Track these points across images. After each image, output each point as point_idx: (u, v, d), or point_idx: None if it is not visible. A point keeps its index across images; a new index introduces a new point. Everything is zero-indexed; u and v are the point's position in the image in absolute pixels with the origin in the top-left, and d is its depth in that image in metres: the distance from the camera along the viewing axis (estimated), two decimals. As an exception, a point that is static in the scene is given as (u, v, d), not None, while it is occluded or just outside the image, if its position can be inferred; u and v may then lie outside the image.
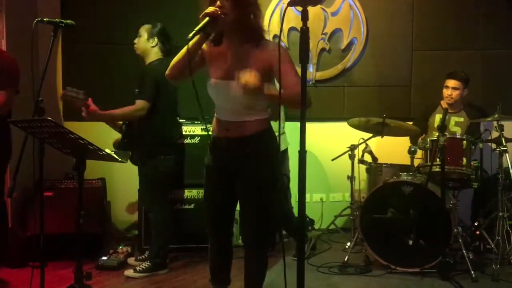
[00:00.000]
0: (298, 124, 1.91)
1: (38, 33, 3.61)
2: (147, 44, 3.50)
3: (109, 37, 4.56)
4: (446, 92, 4.18)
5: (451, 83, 4.16)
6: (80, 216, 2.26)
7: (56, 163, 3.86)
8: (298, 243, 1.93)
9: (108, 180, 4.23)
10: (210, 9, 2.16)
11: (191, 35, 2.13)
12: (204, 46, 2.35)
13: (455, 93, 4.15)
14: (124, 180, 4.46)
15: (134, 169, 3.67)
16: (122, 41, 4.33)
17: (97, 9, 4.56)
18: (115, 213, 4.56)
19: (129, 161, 3.55)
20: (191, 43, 2.22)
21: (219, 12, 2.16)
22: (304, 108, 1.95)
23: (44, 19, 2.40)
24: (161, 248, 3.52)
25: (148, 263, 3.49)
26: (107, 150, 2.21)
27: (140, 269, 3.46)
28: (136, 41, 3.55)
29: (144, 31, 3.51)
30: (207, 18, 2.14)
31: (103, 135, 4.07)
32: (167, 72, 2.37)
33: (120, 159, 2.31)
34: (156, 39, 3.49)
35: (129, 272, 3.47)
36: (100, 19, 4.55)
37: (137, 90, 3.42)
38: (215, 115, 2.43)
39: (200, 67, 2.40)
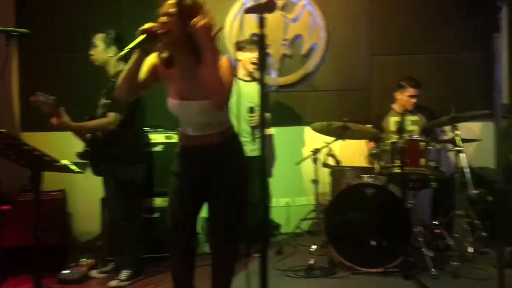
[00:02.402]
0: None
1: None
2: (105, 54, 3.46)
3: (67, 45, 4.47)
4: (411, 100, 4.27)
5: (415, 91, 4.26)
6: (38, 229, 2.19)
7: (14, 176, 3.76)
8: (262, 247, 1.93)
9: (69, 191, 4.14)
10: (147, 25, 2.08)
11: (122, 53, 2.08)
12: (157, 63, 2.28)
13: (417, 100, 4.29)
14: (85, 191, 4.37)
15: (95, 179, 3.60)
16: (81, 49, 4.24)
17: (55, 17, 4.48)
18: (76, 225, 4.46)
19: (89, 172, 3.48)
20: (130, 62, 2.16)
21: (156, 29, 2.08)
22: (263, 115, 1.99)
23: (-4, 28, 2.33)
24: (140, 254, 3.56)
25: (129, 271, 3.49)
26: (64, 161, 2.16)
27: (124, 277, 3.46)
28: (92, 52, 3.48)
29: (99, 40, 3.45)
30: (142, 36, 2.05)
31: (64, 145, 3.99)
32: (117, 94, 2.30)
33: (77, 170, 2.26)
34: (114, 48, 3.44)
35: (114, 283, 3.44)
36: (58, 27, 4.47)
37: (108, 100, 3.38)
38: (180, 128, 2.44)
39: (152, 84, 2.33)
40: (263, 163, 2.03)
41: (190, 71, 2.23)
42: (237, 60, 4.05)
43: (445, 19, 4.95)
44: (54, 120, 3.22)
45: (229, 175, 2.38)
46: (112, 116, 3.30)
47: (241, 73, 4.06)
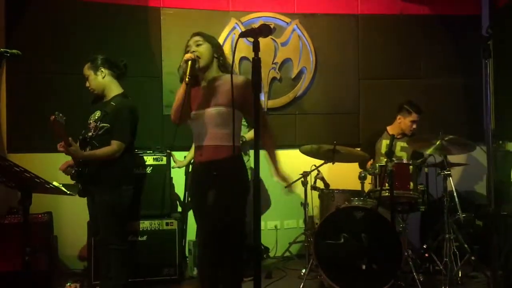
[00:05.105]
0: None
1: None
2: (98, 79, 3.41)
3: (55, 67, 4.45)
4: (412, 125, 4.31)
5: (418, 117, 4.31)
6: (26, 253, 2.14)
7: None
8: (255, 271, 1.92)
9: (55, 214, 4.06)
10: (187, 56, 2.52)
11: (187, 80, 2.46)
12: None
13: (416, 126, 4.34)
14: (71, 214, 4.29)
15: (81, 201, 3.53)
16: (69, 71, 4.24)
17: (43, 38, 4.45)
18: (62, 248, 4.37)
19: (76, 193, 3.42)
20: (180, 90, 2.55)
21: (194, 56, 2.54)
22: (258, 137, 1.99)
23: (-12, 49, 2.31)
24: (126, 279, 3.47)
25: None
26: (55, 183, 2.13)
27: None
28: (87, 84, 3.44)
29: (87, 70, 3.42)
30: (190, 62, 2.49)
31: (50, 167, 3.94)
32: (173, 118, 2.62)
33: (68, 192, 2.23)
34: (102, 69, 3.41)
35: None
36: (47, 49, 4.45)
37: (106, 124, 3.31)
38: (193, 144, 2.71)
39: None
40: (257, 186, 2.01)
41: (209, 84, 2.63)
42: None
43: (429, 45, 5.08)
44: (60, 146, 3.14)
45: (226, 195, 2.53)
46: (117, 145, 3.27)
47: None
